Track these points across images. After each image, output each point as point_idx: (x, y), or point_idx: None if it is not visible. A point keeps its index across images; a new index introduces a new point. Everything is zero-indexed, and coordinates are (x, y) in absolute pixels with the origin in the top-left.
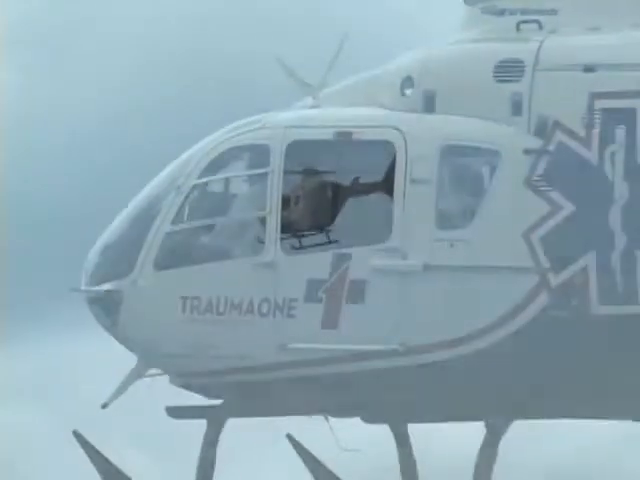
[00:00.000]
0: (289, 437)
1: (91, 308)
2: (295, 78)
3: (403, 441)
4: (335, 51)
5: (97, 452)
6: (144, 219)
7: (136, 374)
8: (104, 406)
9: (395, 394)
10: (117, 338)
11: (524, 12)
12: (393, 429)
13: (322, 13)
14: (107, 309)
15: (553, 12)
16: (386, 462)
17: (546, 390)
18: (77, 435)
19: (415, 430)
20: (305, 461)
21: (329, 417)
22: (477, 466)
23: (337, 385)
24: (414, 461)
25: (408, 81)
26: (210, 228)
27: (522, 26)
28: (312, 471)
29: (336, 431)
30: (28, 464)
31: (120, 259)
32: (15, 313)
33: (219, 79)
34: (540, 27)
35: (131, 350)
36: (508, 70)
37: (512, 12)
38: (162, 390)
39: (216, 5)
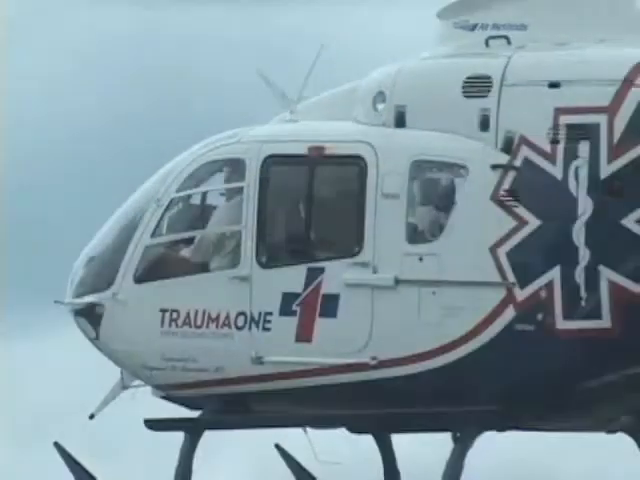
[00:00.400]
0: (277, 447)
1: (75, 320)
2: (276, 92)
3: (387, 452)
4: (311, 65)
5: (77, 463)
6: (126, 231)
7: (121, 385)
8: (91, 417)
9: (367, 407)
10: (100, 350)
11: (495, 27)
12: (377, 440)
13: (304, 29)
14: (90, 321)
15: (523, 27)
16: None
17: (513, 403)
18: (58, 446)
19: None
20: (293, 471)
21: (307, 429)
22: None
23: (312, 398)
24: (398, 472)
25: (380, 96)
26: (188, 241)
27: (491, 42)
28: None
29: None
30: None
31: (102, 271)
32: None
33: (203, 92)
34: (509, 42)
35: (114, 362)
36: (476, 86)
37: (483, 27)
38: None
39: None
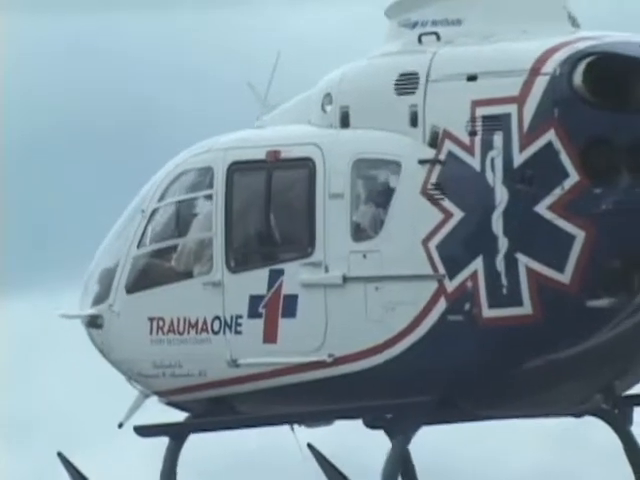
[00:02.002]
0: (310, 446)
1: (86, 331)
2: (258, 98)
3: None
4: (271, 70)
5: (80, 473)
6: (119, 242)
7: (144, 394)
8: (120, 426)
9: (330, 404)
10: (106, 360)
11: (433, 24)
12: (390, 435)
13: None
14: (95, 332)
15: (458, 23)
16: None
17: (452, 393)
18: (61, 456)
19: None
20: (325, 472)
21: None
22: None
23: (282, 398)
24: (413, 466)
25: (327, 98)
26: (168, 250)
27: (423, 38)
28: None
29: None
30: None
31: (102, 282)
32: None
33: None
34: (438, 38)
35: (118, 371)
36: (406, 83)
37: (423, 24)
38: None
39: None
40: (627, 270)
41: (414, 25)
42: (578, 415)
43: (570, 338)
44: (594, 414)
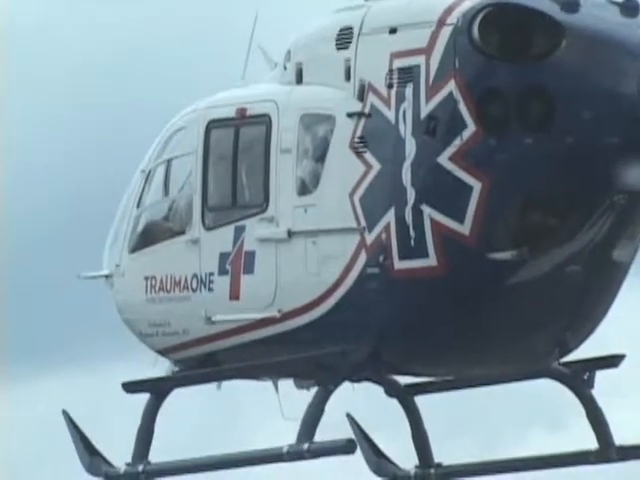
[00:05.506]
0: (348, 416)
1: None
2: (269, 60)
3: (413, 415)
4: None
5: (82, 434)
6: (127, 202)
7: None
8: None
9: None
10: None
11: None
12: (402, 404)
13: None
14: (111, 293)
15: None
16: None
17: (374, 346)
18: (65, 414)
19: None
20: (361, 444)
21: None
22: (303, 422)
23: (251, 355)
24: (426, 434)
25: (287, 55)
26: (160, 210)
27: None
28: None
29: None
30: None
31: (114, 242)
32: None
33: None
34: None
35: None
36: (343, 37)
37: None
38: None
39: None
40: (527, 222)
41: None
42: (535, 377)
43: (475, 291)
44: (553, 377)
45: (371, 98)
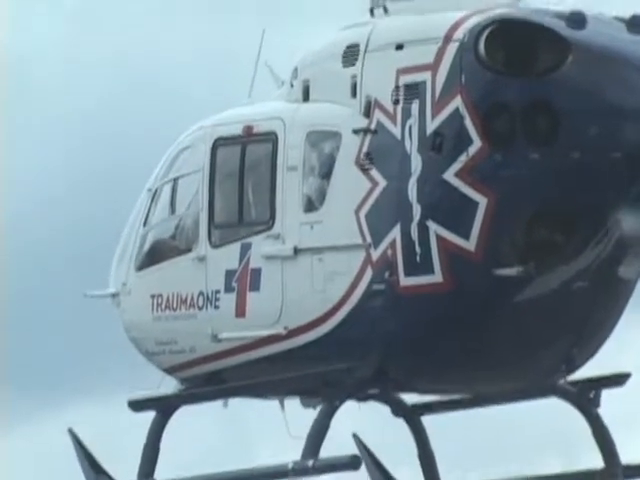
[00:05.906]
0: (354, 436)
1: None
2: (277, 80)
3: (419, 434)
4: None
5: (88, 453)
6: (134, 221)
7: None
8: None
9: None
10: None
11: None
12: (408, 423)
13: None
14: (117, 311)
15: None
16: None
17: (379, 363)
18: (71, 433)
19: None
20: (367, 464)
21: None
22: (309, 438)
23: (257, 372)
24: (432, 453)
25: (294, 72)
26: (166, 228)
27: (375, 11)
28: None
29: None
30: None
31: (120, 261)
32: None
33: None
34: (386, 11)
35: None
36: (350, 54)
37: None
38: None
39: None
40: (533, 238)
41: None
42: (541, 395)
43: (481, 307)
44: (559, 395)
45: (377, 114)
